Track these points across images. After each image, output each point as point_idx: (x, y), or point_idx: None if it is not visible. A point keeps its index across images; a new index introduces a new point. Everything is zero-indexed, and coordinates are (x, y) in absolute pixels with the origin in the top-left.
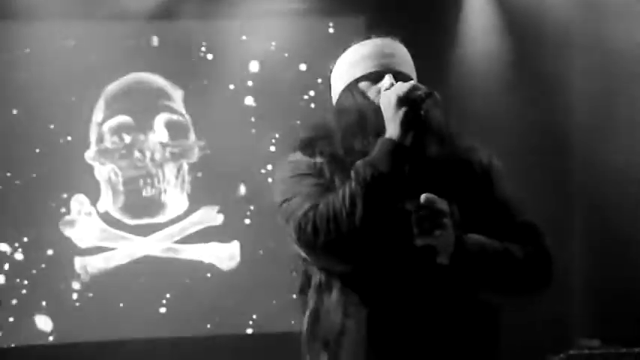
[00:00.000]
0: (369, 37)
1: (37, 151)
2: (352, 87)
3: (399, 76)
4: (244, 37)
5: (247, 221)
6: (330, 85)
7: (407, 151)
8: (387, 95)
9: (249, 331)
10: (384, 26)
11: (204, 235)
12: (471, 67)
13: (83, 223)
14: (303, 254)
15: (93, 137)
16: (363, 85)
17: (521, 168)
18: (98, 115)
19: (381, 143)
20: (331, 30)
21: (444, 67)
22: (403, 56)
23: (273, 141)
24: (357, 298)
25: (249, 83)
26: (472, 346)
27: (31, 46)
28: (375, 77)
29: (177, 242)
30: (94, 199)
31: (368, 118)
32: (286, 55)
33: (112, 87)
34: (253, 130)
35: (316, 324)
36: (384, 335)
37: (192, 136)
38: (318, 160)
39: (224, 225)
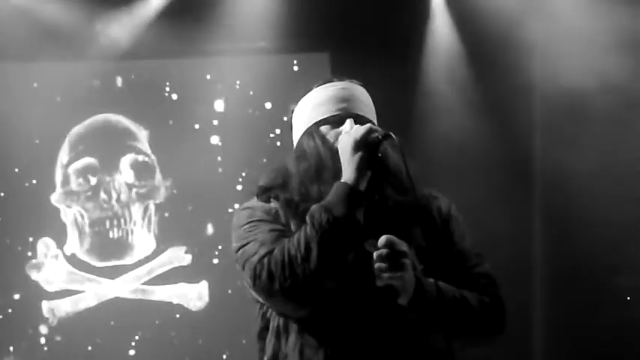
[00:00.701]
0: (330, 81)
1: (2, 194)
2: (312, 131)
3: (359, 119)
4: (208, 77)
5: (215, 261)
6: (291, 126)
7: (362, 195)
8: (344, 139)
9: None
10: (348, 62)
11: (173, 276)
12: (435, 98)
13: (50, 266)
14: (261, 299)
15: (58, 180)
16: (323, 128)
17: (485, 198)
18: (63, 157)
19: (336, 187)
20: (296, 67)
21: (409, 100)
22: (363, 99)
23: (240, 179)
24: (315, 341)
25: (215, 122)
26: None
27: None
28: (335, 121)
29: (145, 283)
30: (61, 241)
31: (326, 164)
32: (251, 93)
33: (77, 129)
34: (220, 169)
35: None
36: None
37: (158, 177)
38: (273, 205)
39: (192, 265)
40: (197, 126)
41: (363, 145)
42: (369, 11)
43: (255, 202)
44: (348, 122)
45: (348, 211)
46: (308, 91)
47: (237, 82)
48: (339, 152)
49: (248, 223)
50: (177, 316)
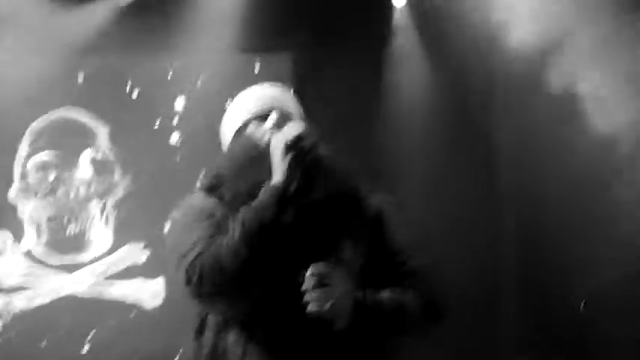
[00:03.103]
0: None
1: None
2: (240, 131)
3: (284, 112)
4: (170, 73)
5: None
6: (221, 136)
7: (291, 198)
8: (275, 142)
9: None
10: (311, 62)
11: (130, 272)
12: (399, 101)
13: (6, 261)
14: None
15: (16, 174)
16: (250, 127)
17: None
18: (22, 151)
19: (265, 191)
20: (258, 66)
21: (371, 98)
22: (284, 94)
23: (200, 177)
24: (256, 335)
25: (175, 120)
26: None
27: None
28: (260, 118)
29: (102, 280)
30: (18, 236)
31: (253, 161)
32: (213, 91)
33: (37, 123)
34: (180, 167)
35: None
36: None
37: (117, 173)
38: (211, 202)
39: (149, 261)
40: (158, 122)
41: (293, 148)
42: (333, 11)
43: (192, 199)
44: (274, 113)
45: (277, 214)
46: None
47: (199, 79)
48: (271, 152)
49: (184, 220)
50: (132, 314)
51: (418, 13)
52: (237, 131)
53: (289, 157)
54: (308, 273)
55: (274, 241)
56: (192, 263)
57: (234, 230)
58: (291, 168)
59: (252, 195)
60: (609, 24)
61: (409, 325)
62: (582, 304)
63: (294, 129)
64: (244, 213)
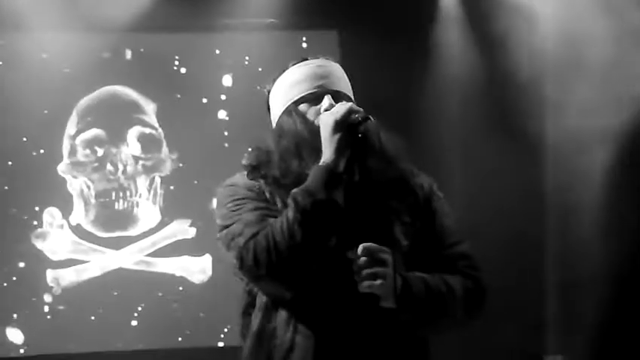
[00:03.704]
0: (305, 59)
1: (10, 163)
2: (291, 109)
3: (337, 95)
4: (218, 51)
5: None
6: (267, 107)
7: (341, 177)
8: (325, 118)
9: (221, 344)
10: (357, 40)
11: (177, 249)
12: (444, 79)
13: (55, 235)
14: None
15: (65, 150)
16: (302, 107)
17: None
18: (71, 128)
19: (316, 170)
20: (304, 44)
21: (416, 79)
22: (340, 75)
23: (246, 155)
24: (307, 315)
25: (223, 97)
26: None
27: (3, 58)
28: (313, 98)
29: (149, 255)
30: (67, 212)
31: (305, 141)
32: (260, 69)
33: (85, 100)
34: (226, 144)
35: (261, 343)
36: (332, 349)
37: (165, 150)
38: (260, 182)
39: (196, 238)
40: (205, 100)
41: (343, 125)
42: None
43: (238, 178)
44: (327, 98)
45: (329, 193)
46: (283, 71)
47: (247, 57)
48: (321, 131)
49: (232, 201)
50: (180, 288)
51: None
52: (286, 109)
53: (338, 135)
54: (358, 252)
55: (328, 221)
56: (245, 245)
57: (288, 211)
58: (340, 147)
59: (301, 175)
60: None
61: (454, 309)
62: None
63: (343, 107)
64: (296, 194)
